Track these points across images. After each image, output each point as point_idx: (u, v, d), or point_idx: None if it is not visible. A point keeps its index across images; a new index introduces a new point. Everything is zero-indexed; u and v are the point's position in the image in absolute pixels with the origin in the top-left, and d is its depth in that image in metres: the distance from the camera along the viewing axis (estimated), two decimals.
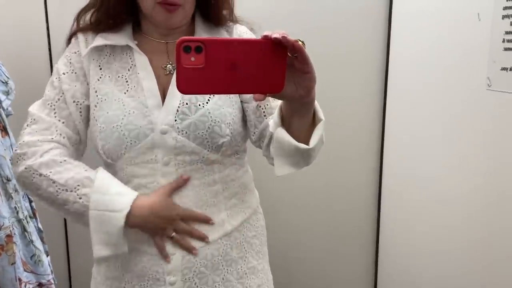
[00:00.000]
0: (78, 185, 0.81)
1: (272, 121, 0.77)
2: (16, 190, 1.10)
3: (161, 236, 0.84)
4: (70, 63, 0.89)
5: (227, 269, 0.90)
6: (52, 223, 1.53)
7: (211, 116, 0.84)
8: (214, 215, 0.88)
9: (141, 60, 0.87)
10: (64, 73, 0.88)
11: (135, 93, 0.85)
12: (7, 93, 1.30)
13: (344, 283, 1.78)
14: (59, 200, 0.82)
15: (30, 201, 1.22)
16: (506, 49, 1.14)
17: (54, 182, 0.81)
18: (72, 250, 1.64)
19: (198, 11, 0.91)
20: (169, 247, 0.84)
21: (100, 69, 0.87)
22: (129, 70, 0.86)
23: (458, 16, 1.30)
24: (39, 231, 1.23)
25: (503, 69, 1.18)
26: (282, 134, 0.74)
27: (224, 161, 0.89)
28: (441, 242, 1.57)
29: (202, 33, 0.89)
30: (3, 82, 1.29)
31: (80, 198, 0.81)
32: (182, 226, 0.84)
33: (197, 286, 0.87)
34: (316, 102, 0.72)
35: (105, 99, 0.85)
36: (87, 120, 0.89)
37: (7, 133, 1.19)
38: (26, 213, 1.14)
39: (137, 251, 0.85)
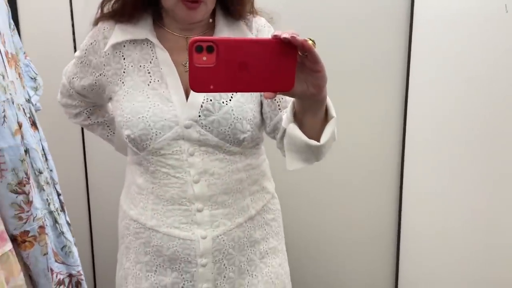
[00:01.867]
0: None
1: (285, 116, 0.79)
2: (47, 183, 1.13)
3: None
4: (86, 51, 0.97)
5: (251, 250, 0.97)
6: (77, 217, 1.57)
7: (233, 114, 0.88)
8: (240, 201, 0.93)
9: (163, 55, 0.89)
10: (80, 59, 0.99)
11: (159, 87, 0.88)
12: (35, 89, 1.33)
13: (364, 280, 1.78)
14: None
15: (59, 194, 1.25)
16: None
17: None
18: (96, 243, 1.67)
19: (219, 5, 0.93)
20: (200, 231, 0.90)
21: (124, 59, 0.90)
22: (150, 62, 0.90)
23: (484, 9, 1.29)
24: (68, 224, 1.26)
25: None
26: (294, 130, 0.76)
27: (245, 152, 0.95)
28: (461, 240, 1.56)
29: (223, 27, 0.92)
30: (31, 78, 1.32)
31: None
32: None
33: (225, 267, 0.94)
34: (328, 99, 0.74)
35: (131, 91, 0.89)
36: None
37: (37, 128, 1.21)
38: (57, 205, 1.17)
39: (170, 237, 0.91)
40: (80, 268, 1.20)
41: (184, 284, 0.94)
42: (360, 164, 1.65)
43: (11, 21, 1.21)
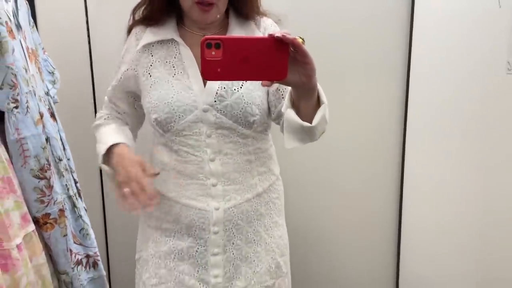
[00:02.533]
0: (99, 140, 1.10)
1: (284, 103, 0.91)
2: (66, 169, 1.21)
3: (120, 184, 0.98)
4: (124, 54, 1.10)
5: (257, 222, 1.09)
6: (91, 203, 1.64)
7: (244, 99, 1.00)
8: (249, 179, 1.07)
9: (185, 51, 1.03)
10: (122, 61, 1.11)
11: (182, 78, 1.02)
12: (53, 83, 1.41)
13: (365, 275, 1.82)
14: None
15: (76, 182, 1.33)
16: None
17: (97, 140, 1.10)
18: (109, 227, 1.75)
19: (231, 7, 1.07)
20: (214, 203, 1.04)
21: (152, 56, 1.04)
22: (175, 57, 1.04)
23: (478, 6, 1.32)
24: (85, 211, 1.34)
25: None
26: (290, 114, 0.88)
27: (256, 136, 1.07)
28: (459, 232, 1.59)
29: (235, 26, 1.05)
30: (49, 72, 1.40)
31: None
32: (135, 187, 0.95)
33: (234, 235, 1.07)
34: (319, 88, 0.86)
35: (158, 81, 1.02)
36: (126, 95, 1.13)
37: (55, 119, 1.29)
38: (75, 190, 1.24)
39: (188, 207, 1.04)
40: (96, 250, 1.28)
41: (198, 248, 1.06)
42: (361, 160, 1.68)
43: (31, 19, 1.29)
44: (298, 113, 0.88)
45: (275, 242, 1.13)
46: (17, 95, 1.03)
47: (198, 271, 1.07)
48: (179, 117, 1.01)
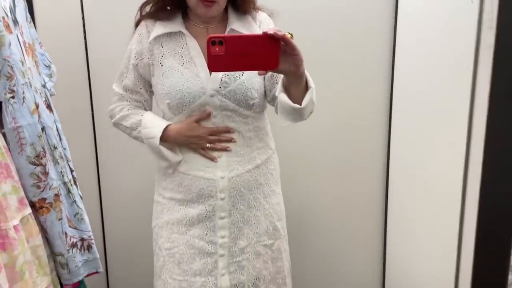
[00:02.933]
0: (137, 126, 1.25)
1: (278, 88, 1.08)
2: (61, 157, 1.27)
3: (200, 149, 1.20)
4: (136, 43, 1.22)
5: (256, 190, 1.25)
6: (88, 191, 1.72)
7: (245, 85, 1.16)
8: (249, 153, 1.22)
9: (192, 42, 1.18)
10: (133, 53, 1.23)
11: (190, 66, 1.17)
12: (50, 76, 1.47)
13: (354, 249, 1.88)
14: (132, 136, 1.28)
15: (72, 171, 1.39)
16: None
17: (126, 127, 1.27)
18: (106, 214, 1.82)
19: (230, 3, 1.22)
20: (220, 172, 1.20)
21: (162, 47, 1.19)
22: (182, 48, 1.18)
23: (453, 3, 1.39)
24: (80, 197, 1.40)
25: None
26: (283, 97, 1.05)
27: (255, 116, 1.22)
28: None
29: (233, 20, 1.20)
30: (46, 66, 1.46)
31: (139, 133, 1.25)
32: (212, 138, 1.19)
33: (238, 201, 1.23)
34: (307, 74, 1.03)
35: (169, 70, 1.16)
36: (144, 82, 1.25)
37: (51, 110, 1.35)
38: (70, 177, 1.31)
39: (196, 177, 1.21)
40: (91, 234, 1.35)
41: (207, 214, 1.21)
42: (349, 144, 1.77)
43: (28, 14, 1.35)
44: (289, 96, 1.05)
45: (273, 208, 1.28)
46: (13, 86, 1.09)
47: (206, 234, 1.22)
48: (189, 102, 1.16)
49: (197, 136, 1.18)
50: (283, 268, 1.32)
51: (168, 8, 1.20)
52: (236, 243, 1.24)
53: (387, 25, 1.68)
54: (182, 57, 1.17)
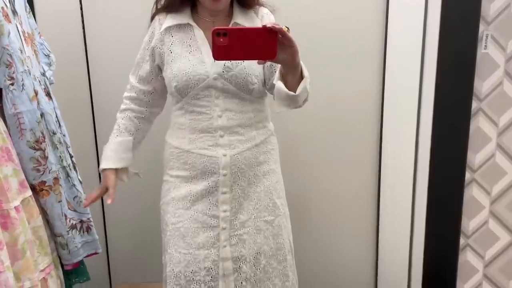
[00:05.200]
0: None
1: (275, 76, 1.18)
2: (60, 142, 1.32)
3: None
4: (149, 37, 1.33)
5: (256, 168, 1.34)
6: (87, 175, 1.76)
7: (246, 70, 1.26)
8: (249, 132, 1.31)
9: (199, 33, 1.29)
10: (145, 46, 1.34)
11: (196, 53, 1.27)
12: (49, 65, 1.52)
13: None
14: None
15: (71, 156, 1.45)
16: None
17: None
18: (105, 198, 1.87)
19: None
20: (222, 150, 1.29)
21: (172, 37, 1.30)
22: (190, 38, 1.29)
23: None
24: (79, 182, 1.46)
25: None
26: (280, 85, 1.15)
27: (254, 100, 1.32)
28: None
29: (238, 14, 1.31)
30: (45, 55, 1.51)
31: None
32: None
33: (239, 177, 1.31)
34: (303, 65, 1.13)
35: (177, 56, 1.28)
36: (157, 73, 1.35)
37: (51, 98, 1.40)
38: (69, 162, 1.36)
39: (201, 155, 1.30)
40: (89, 216, 1.40)
41: (210, 189, 1.30)
42: (342, 132, 1.82)
43: (27, 5, 1.39)
44: (286, 84, 1.14)
45: (273, 186, 1.37)
46: (13, 73, 1.14)
47: (209, 208, 1.31)
48: (195, 84, 1.26)
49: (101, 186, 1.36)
50: (283, 245, 1.38)
51: (179, 2, 1.30)
52: (237, 217, 1.32)
53: (378, 20, 1.71)
54: (189, 46, 1.28)
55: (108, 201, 1.30)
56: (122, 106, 1.41)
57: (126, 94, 1.41)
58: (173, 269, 1.31)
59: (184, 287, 1.30)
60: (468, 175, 1.72)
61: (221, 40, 0.96)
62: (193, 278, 1.30)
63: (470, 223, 1.77)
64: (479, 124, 1.68)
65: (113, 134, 1.38)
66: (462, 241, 1.77)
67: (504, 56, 1.62)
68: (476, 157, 1.71)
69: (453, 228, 1.74)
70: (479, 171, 1.72)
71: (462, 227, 1.76)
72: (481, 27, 1.58)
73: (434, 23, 1.60)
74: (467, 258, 1.80)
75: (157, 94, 1.39)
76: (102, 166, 1.34)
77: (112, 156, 1.35)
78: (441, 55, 1.60)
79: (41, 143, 1.22)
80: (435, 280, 1.80)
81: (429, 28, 1.64)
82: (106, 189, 1.32)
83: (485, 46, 1.57)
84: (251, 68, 1.26)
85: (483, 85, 1.65)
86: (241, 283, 1.33)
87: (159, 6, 1.33)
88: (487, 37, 1.56)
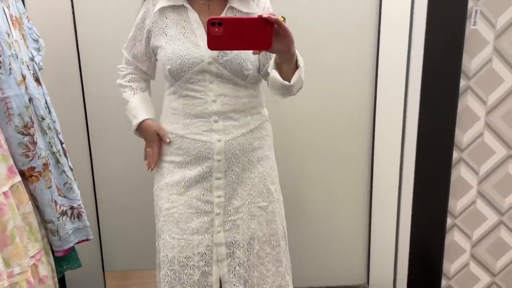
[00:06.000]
0: (126, 102, 1.39)
1: (270, 65, 1.19)
2: (49, 128, 1.31)
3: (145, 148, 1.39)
4: (142, 17, 1.31)
5: (251, 154, 1.33)
6: (79, 161, 1.76)
7: (241, 56, 1.25)
8: (244, 118, 1.31)
9: (193, 16, 1.26)
10: (138, 25, 1.33)
11: (191, 36, 1.26)
12: (38, 50, 1.49)
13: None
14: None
15: (62, 143, 1.43)
16: None
17: (121, 94, 1.41)
18: (98, 185, 1.86)
19: None
20: (216, 136, 1.28)
21: (166, 18, 1.28)
22: (184, 21, 1.27)
23: None
24: (70, 168, 1.44)
25: None
26: (274, 74, 1.16)
27: (249, 86, 1.31)
28: None
29: (234, 1, 1.27)
30: (34, 40, 1.48)
31: (125, 109, 1.40)
32: (150, 153, 1.37)
33: (233, 163, 1.31)
34: (298, 55, 1.14)
35: (172, 39, 1.26)
36: (150, 54, 1.35)
37: (40, 84, 1.38)
38: (59, 148, 1.35)
39: (195, 140, 1.29)
40: (80, 202, 1.39)
41: (204, 175, 1.29)
42: (336, 123, 1.83)
43: None
44: (280, 73, 1.15)
45: (267, 172, 1.36)
46: None
47: (203, 194, 1.30)
48: (188, 68, 1.24)
49: (149, 145, 1.37)
50: (277, 231, 1.39)
51: None
52: (231, 202, 1.32)
53: (371, 24, 1.73)
54: (184, 28, 1.26)
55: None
56: (122, 72, 1.41)
57: (122, 65, 1.42)
58: (167, 255, 1.31)
59: (178, 272, 1.30)
60: (456, 155, 1.71)
61: (216, 29, 0.95)
62: (186, 264, 1.30)
63: (457, 203, 1.77)
64: (468, 103, 1.67)
65: (128, 94, 1.39)
66: (449, 221, 1.78)
67: (493, 33, 1.60)
68: (464, 136, 1.70)
69: (440, 208, 1.75)
70: (467, 150, 1.72)
71: (450, 207, 1.76)
72: (470, 3, 1.56)
73: None
74: (454, 238, 1.81)
75: (151, 69, 1.41)
76: (138, 119, 1.34)
77: (142, 108, 1.35)
78: (429, 32, 1.60)
79: (29, 129, 1.20)
80: (422, 260, 1.81)
81: (417, 4, 1.63)
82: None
83: (474, 22, 1.56)
84: (246, 54, 1.25)
85: (471, 62, 1.63)
86: (235, 268, 1.33)
87: None
88: (476, 13, 1.55)
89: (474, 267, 1.83)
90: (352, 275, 2.01)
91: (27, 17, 1.45)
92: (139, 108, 1.36)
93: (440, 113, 1.64)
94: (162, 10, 1.28)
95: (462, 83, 1.64)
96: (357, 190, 1.92)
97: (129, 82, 1.40)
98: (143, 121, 1.34)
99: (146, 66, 1.38)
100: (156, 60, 1.34)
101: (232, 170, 1.31)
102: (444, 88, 1.62)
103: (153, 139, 1.34)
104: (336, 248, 1.98)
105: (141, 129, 1.35)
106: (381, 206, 1.89)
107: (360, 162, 1.89)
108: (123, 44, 1.39)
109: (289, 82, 1.15)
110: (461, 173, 1.74)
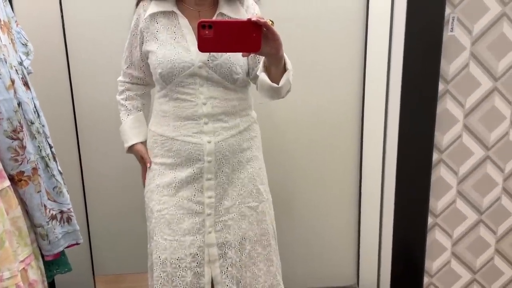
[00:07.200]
0: (121, 121, 1.44)
1: (259, 68, 1.22)
2: (38, 132, 1.31)
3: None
4: (135, 23, 1.34)
5: (240, 155, 1.36)
6: (68, 166, 1.76)
7: (231, 60, 1.28)
8: (233, 120, 1.33)
9: (183, 21, 1.29)
10: (132, 32, 1.36)
11: (181, 41, 1.28)
12: (27, 54, 1.49)
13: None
14: None
15: (51, 147, 1.43)
16: None
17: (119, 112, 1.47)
18: (87, 189, 1.86)
19: None
20: (207, 137, 1.30)
21: (157, 23, 1.31)
22: (175, 26, 1.30)
23: None
24: (60, 172, 1.45)
25: None
26: (263, 77, 1.20)
27: (238, 89, 1.33)
28: None
29: (223, 4, 1.31)
30: (23, 44, 1.48)
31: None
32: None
33: (223, 164, 1.33)
34: (286, 57, 1.17)
35: (163, 43, 1.29)
36: (145, 59, 1.36)
37: (29, 88, 1.38)
38: (48, 152, 1.35)
39: (185, 142, 1.31)
40: (70, 206, 1.40)
41: (195, 176, 1.32)
42: (325, 122, 1.86)
43: None
44: (269, 76, 1.18)
45: (256, 172, 1.39)
46: None
47: (194, 195, 1.32)
48: (179, 72, 1.27)
49: (141, 163, 1.45)
50: (267, 230, 1.41)
51: None
52: (221, 203, 1.34)
53: (359, 23, 1.76)
54: (174, 33, 1.28)
55: (148, 165, 1.38)
56: (120, 88, 1.45)
57: (120, 78, 1.45)
58: (159, 256, 1.32)
59: (171, 274, 1.32)
60: (435, 156, 1.76)
61: (206, 32, 0.98)
62: (179, 265, 1.32)
63: (438, 203, 1.82)
64: (446, 106, 1.72)
65: (123, 115, 1.44)
66: (430, 220, 1.82)
67: (470, 39, 1.65)
68: (443, 138, 1.75)
69: (421, 208, 1.79)
70: (446, 151, 1.77)
71: (431, 206, 1.81)
72: (447, 10, 1.62)
73: (401, 5, 1.64)
74: (436, 237, 1.85)
75: (149, 76, 1.41)
76: (128, 143, 1.42)
77: (133, 132, 1.42)
78: (408, 38, 1.64)
79: (18, 133, 1.20)
80: (404, 259, 1.85)
81: (396, 11, 1.68)
82: (142, 159, 1.40)
83: (452, 28, 1.60)
84: (236, 58, 1.28)
85: (449, 67, 1.68)
86: (227, 268, 1.35)
87: None
88: (453, 19, 1.60)
89: (455, 265, 1.88)
90: (342, 276, 2.03)
91: (16, 22, 1.45)
92: (129, 133, 1.42)
93: (420, 116, 1.69)
94: (153, 15, 1.30)
95: (441, 87, 1.68)
96: (346, 192, 1.95)
97: (125, 100, 1.44)
98: (132, 145, 1.42)
99: (143, 72, 1.40)
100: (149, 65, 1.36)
101: (222, 171, 1.33)
102: (424, 92, 1.67)
103: (141, 161, 1.43)
104: (325, 249, 2.01)
105: (131, 151, 1.44)
106: (368, 207, 1.92)
107: (349, 164, 1.92)
108: (112, 49, 1.40)
109: (278, 84, 1.18)
110: (441, 174, 1.78)
